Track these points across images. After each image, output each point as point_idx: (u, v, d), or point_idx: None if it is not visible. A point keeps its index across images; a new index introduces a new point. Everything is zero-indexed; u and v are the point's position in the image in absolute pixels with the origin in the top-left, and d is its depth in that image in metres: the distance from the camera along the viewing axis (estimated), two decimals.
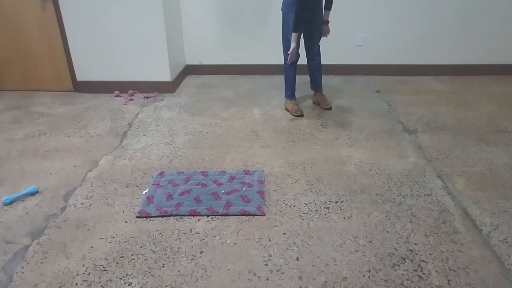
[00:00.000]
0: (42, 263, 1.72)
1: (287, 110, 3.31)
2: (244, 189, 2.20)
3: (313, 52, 3.27)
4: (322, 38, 3.26)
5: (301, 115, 3.21)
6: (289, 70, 3.23)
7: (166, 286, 1.59)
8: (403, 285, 1.57)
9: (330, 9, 3.16)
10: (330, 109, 3.34)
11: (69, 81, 3.86)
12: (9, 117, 3.30)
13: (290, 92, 3.32)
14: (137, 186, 2.28)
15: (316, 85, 3.45)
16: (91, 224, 1.96)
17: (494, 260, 1.69)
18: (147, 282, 1.61)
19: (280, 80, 4.17)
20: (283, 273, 1.64)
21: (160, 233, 1.89)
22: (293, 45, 2.96)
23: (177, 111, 3.40)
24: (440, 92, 3.75)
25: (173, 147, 2.74)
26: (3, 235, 1.90)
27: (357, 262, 1.69)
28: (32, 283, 1.61)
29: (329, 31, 3.25)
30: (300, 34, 3.07)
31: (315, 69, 3.37)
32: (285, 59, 3.17)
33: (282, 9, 3.09)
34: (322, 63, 3.34)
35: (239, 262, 1.71)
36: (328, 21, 3.21)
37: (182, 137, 2.89)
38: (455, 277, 1.60)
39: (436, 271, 1.63)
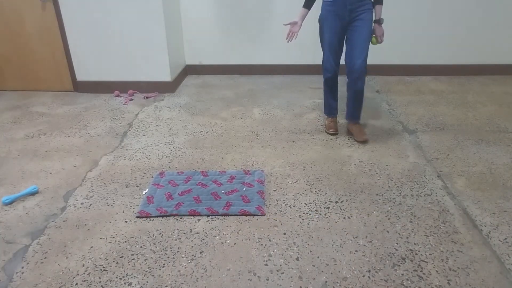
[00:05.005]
0: (42, 263, 1.72)
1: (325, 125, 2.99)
2: (244, 189, 2.20)
3: (354, 67, 2.54)
4: (370, 45, 2.59)
5: (333, 134, 2.86)
6: (325, 85, 2.85)
7: (166, 286, 1.59)
8: (403, 285, 1.58)
9: (382, 3, 2.52)
10: (364, 142, 2.71)
11: (69, 81, 3.86)
12: (9, 117, 3.30)
13: (326, 110, 2.94)
14: (137, 186, 2.28)
15: (349, 114, 2.83)
16: (91, 224, 1.96)
17: (494, 260, 1.69)
18: (147, 282, 1.61)
19: (280, 80, 4.18)
20: (283, 273, 1.64)
21: (160, 233, 1.89)
22: (295, 19, 2.58)
23: (177, 111, 3.40)
24: (440, 92, 3.75)
25: (173, 147, 2.75)
26: (3, 235, 1.90)
27: (357, 262, 1.69)
28: (32, 283, 1.61)
29: (383, 34, 2.60)
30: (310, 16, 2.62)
31: (352, 95, 2.72)
32: (324, 75, 2.80)
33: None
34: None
35: (239, 262, 1.71)
36: (382, 20, 2.56)
37: (182, 137, 2.89)
38: (455, 277, 1.60)
39: (436, 271, 1.63)
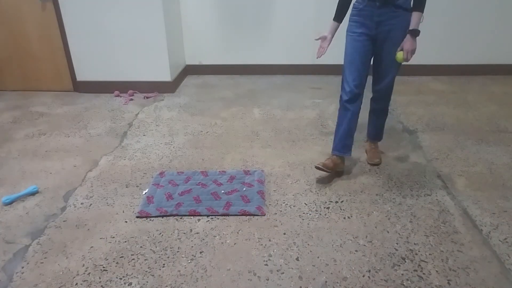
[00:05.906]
0: (42, 263, 1.72)
1: None
2: (244, 189, 2.20)
3: (376, 87, 2.40)
4: (396, 64, 2.24)
5: (322, 170, 2.22)
6: (341, 110, 2.31)
7: (166, 286, 1.59)
8: (403, 285, 1.57)
9: (422, 10, 2.07)
10: (375, 165, 2.45)
11: (69, 81, 3.86)
12: (9, 117, 3.30)
13: (334, 144, 2.33)
14: (137, 186, 2.28)
15: (367, 132, 2.58)
16: (91, 224, 1.96)
17: (494, 260, 1.69)
18: (147, 282, 1.61)
19: (280, 80, 4.18)
20: (283, 273, 1.64)
21: (160, 233, 1.89)
22: (325, 34, 2.30)
23: (177, 111, 3.40)
24: (440, 92, 3.75)
25: (173, 147, 2.74)
26: (3, 235, 1.90)
27: (357, 262, 1.69)
28: (32, 283, 1.61)
29: (414, 50, 2.14)
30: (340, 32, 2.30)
31: (372, 113, 2.51)
32: (340, 97, 2.33)
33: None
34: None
35: (239, 262, 1.71)
36: (418, 32, 2.11)
37: (182, 137, 2.89)
38: (455, 277, 1.60)
39: (436, 271, 1.63)
